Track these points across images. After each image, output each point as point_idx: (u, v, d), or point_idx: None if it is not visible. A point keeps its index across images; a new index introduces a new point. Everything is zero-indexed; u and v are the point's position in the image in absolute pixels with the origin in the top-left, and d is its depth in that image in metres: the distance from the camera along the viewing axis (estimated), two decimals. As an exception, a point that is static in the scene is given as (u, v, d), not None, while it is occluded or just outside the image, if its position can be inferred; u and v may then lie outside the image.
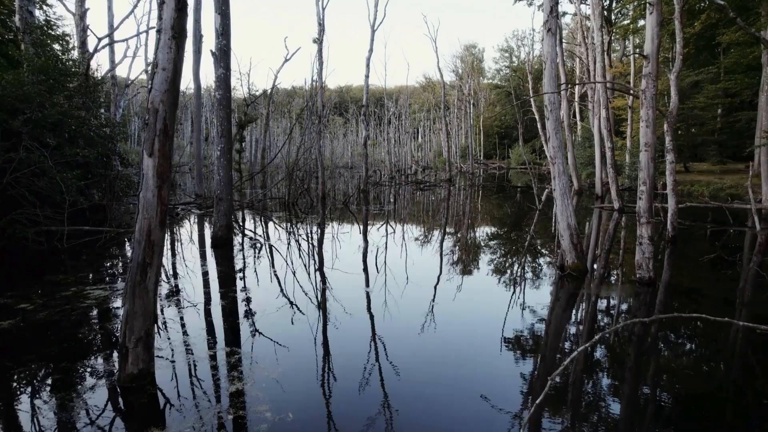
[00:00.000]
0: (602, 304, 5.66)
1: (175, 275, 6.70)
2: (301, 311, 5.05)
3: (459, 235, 10.77)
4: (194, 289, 5.88)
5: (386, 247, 8.70)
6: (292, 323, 4.68)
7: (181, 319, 4.75)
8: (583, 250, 6.61)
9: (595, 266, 7.42)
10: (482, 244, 9.72)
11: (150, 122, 3.37)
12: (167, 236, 10.46)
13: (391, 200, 18.97)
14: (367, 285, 6.19)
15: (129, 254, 5.50)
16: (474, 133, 48.40)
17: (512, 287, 6.25)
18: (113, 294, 5.44)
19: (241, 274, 6.82)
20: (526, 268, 7.51)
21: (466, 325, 4.79)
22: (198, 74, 17.06)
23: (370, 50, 21.28)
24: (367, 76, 21.07)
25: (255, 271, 6.95)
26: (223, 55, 8.27)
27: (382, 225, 11.66)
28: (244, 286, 6.15)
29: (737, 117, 22.13)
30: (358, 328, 4.61)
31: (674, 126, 8.68)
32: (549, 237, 10.55)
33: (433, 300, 5.54)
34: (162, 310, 4.96)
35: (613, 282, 6.52)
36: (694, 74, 21.45)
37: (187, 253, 8.25)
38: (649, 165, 5.98)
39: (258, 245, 8.99)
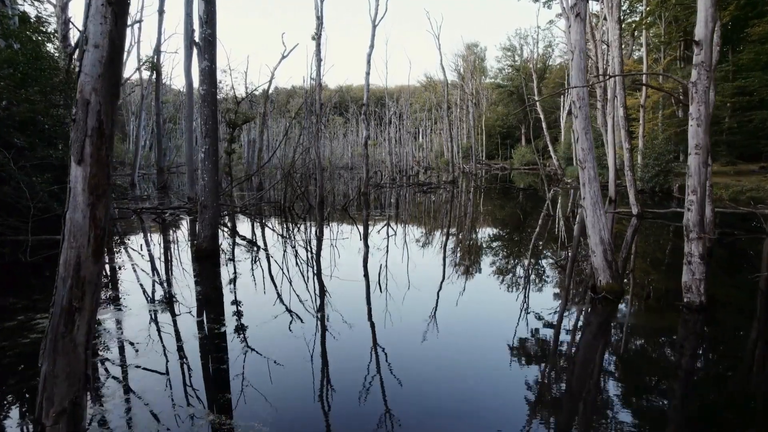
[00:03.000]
0: (649, 335, 4.79)
1: (140, 300, 5.79)
2: (297, 325, 4.18)
3: (470, 246, 9.90)
4: (160, 320, 4.89)
5: (387, 252, 7.83)
6: (284, 352, 3.82)
7: (135, 368, 3.84)
8: (618, 268, 5.73)
9: (630, 286, 6.54)
10: (499, 258, 8.84)
11: (79, 118, 2.49)
12: (160, 241, 9.61)
13: (393, 202, 18.08)
14: (369, 304, 5.32)
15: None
16: (476, 133, 47.50)
17: (537, 311, 5.36)
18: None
19: (228, 288, 5.98)
20: (551, 287, 6.64)
21: (488, 357, 3.93)
22: (189, 71, 16.23)
23: (371, 46, 20.40)
24: (367, 74, 20.21)
25: (243, 288, 6.06)
26: (207, 46, 7.40)
27: (383, 226, 10.80)
28: (233, 302, 5.33)
29: (750, 117, 21.24)
30: (360, 352, 3.75)
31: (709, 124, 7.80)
32: (552, 239, 9.73)
33: (448, 329, 4.67)
34: (103, 362, 3.97)
35: (656, 307, 5.61)
36: (707, 72, 20.59)
37: (165, 268, 7.38)
38: (701, 170, 5.12)
39: (249, 254, 8.11)
